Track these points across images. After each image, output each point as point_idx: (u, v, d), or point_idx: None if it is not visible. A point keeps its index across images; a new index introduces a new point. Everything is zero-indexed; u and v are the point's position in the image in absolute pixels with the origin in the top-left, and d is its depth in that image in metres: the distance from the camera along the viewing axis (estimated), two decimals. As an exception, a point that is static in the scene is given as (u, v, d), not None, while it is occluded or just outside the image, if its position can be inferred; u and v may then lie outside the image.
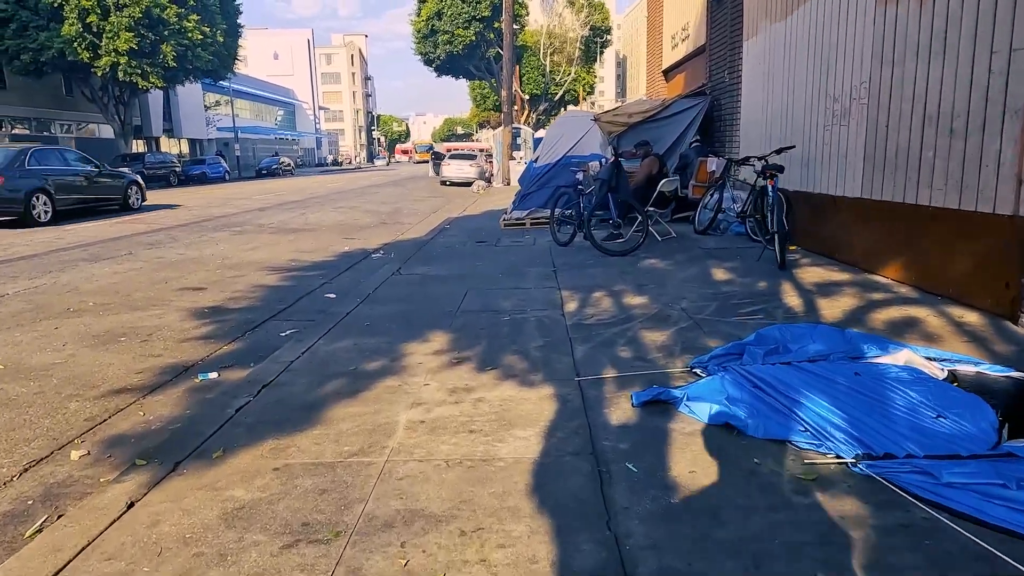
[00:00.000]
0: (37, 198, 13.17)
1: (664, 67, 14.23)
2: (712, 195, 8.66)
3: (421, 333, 4.50)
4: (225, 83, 49.64)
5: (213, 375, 4.22)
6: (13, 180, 12.76)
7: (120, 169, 16.99)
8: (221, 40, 32.83)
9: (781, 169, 6.40)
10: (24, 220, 12.84)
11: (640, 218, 7.86)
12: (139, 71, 29.33)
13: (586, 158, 10.30)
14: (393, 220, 13.92)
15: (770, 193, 6.44)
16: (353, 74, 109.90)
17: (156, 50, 29.59)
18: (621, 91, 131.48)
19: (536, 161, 10.94)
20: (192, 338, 5.09)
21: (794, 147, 6.96)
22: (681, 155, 10.06)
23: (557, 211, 8.65)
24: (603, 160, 9.89)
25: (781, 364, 3.35)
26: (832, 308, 4.73)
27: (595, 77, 67.20)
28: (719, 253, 7.28)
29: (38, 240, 10.87)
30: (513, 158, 24.96)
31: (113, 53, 28.28)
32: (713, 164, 9.32)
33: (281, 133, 73.09)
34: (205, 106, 52.38)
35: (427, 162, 64.52)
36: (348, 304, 5.52)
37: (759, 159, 7.01)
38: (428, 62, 34.28)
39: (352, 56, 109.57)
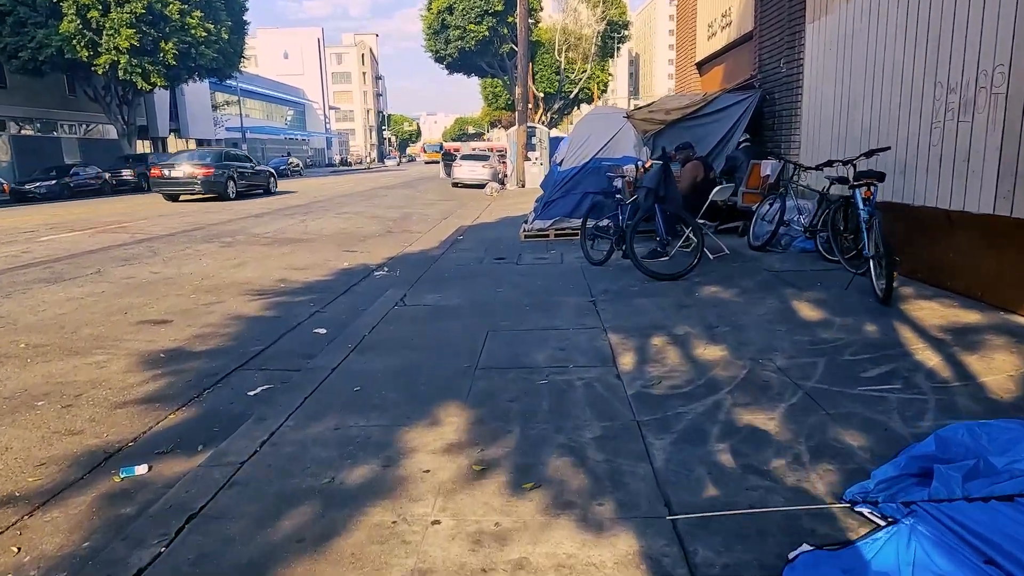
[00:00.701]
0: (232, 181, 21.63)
1: (698, 59, 12.95)
2: (770, 205, 7.38)
3: (428, 408, 3.27)
4: (232, 82, 48.94)
5: (141, 469, 3.03)
6: (218, 171, 20.92)
7: (262, 166, 25.14)
8: (226, 37, 31.83)
9: (881, 177, 5.12)
10: (223, 196, 20.89)
11: (686, 233, 6.61)
12: (140, 70, 28.38)
13: (618, 161, 9.05)
14: (401, 228, 12.73)
15: (862, 206, 5.17)
16: (364, 74, 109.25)
17: (158, 48, 28.63)
18: (634, 90, 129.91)
19: (560, 164, 9.69)
20: (132, 401, 3.90)
21: (888, 148, 5.67)
22: (728, 157, 8.78)
23: (590, 223, 7.41)
24: (639, 163, 8.64)
25: (999, 501, 2.10)
26: (992, 370, 3.46)
27: (609, 75, 65.81)
28: (793, 278, 6.00)
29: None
30: (528, 159, 23.71)
31: (113, 51, 27.33)
32: (768, 168, 8.04)
33: (291, 133, 72.32)
34: (213, 106, 51.57)
35: (437, 163, 62.55)
36: (337, 352, 4.31)
37: (844, 163, 5.73)
38: (439, 59, 33.06)
39: (363, 55, 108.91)
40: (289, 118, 76.07)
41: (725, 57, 11.48)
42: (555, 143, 31.07)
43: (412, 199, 20.17)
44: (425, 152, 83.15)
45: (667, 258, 6.78)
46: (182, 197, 20.91)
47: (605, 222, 7.24)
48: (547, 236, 9.35)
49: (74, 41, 26.70)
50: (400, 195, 21.99)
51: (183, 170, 20.42)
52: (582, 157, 9.39)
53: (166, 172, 20.69)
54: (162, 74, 29.37)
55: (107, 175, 28.91)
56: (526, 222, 10.21)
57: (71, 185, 26.09)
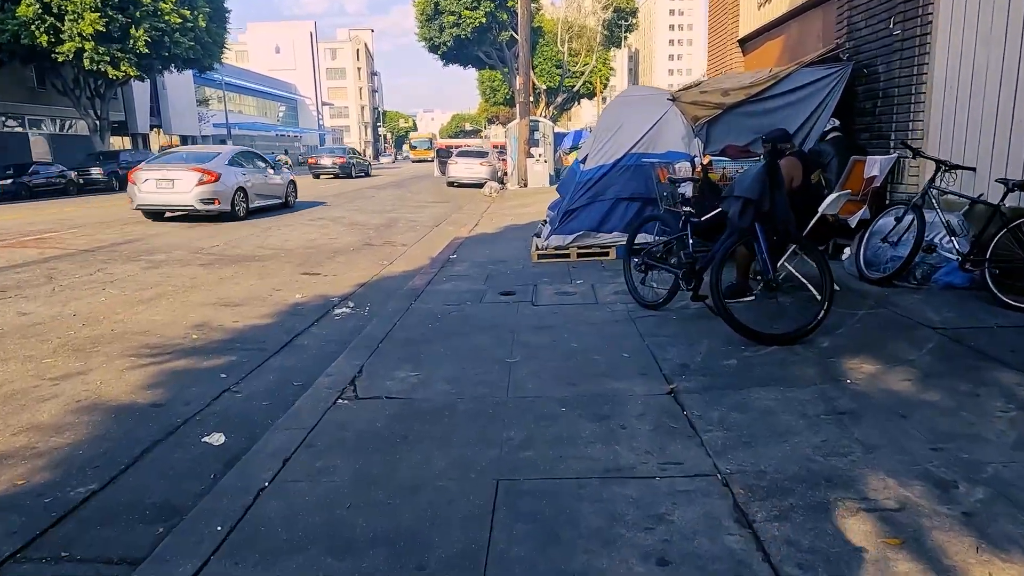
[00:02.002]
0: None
1: (741, 35, 10.74)
2: (896, 219, 5.17)
3: None
4: (216, 75, 46.57)
5: None
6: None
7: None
8: (203, 25, 29.48)
9: None
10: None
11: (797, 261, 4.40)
12: (108, 58, 26.04)
13: (662, 157, 6.83)
14: (382, 239, 10.48)
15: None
16: (359, 69, 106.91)
17: (127, 34, 26.29)
18: (634, 85, 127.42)
19: (583, 162, 7.43)
20: None
21: None
22: (810, 152, 6.55)
23: (640, 244, 5.21)
24: (693, 160, 6.40)
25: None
26: None
27: (611, 69, 63.47)
28: (986, 343, 3.77)
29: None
30: (531, 155, 21.46)
31: (77, 37, 25.00)
32: (875, 167, 5.82)
33: (282, 130, 69.94)
34: (198, 101, 49.17)
35: (427, 161, 58.23)
36: (206, 541, 2.08)
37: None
38: (433, 48, 30.63)
39: (358, 51, 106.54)
40: (281, 114, 73.69)
41: (784, 28, 9.24)
42: (559, 138, 28.81)
43: (402, 201, 17.91)
44: (412, 149, 72.34)
45: (750, 297, 4.57)
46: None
47: (661, 246, 4.99)
48: (567, 256, 7.12)
49: (33, 26, 24.37)
50: (389, 196, 19.72)
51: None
52: (612, 152, 7.15)
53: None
54: (133, 63, 27.02)
55: (73, 174, 26.58)
56: (537, 235, 7.98)
57: (30, 185, 23.76)
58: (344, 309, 5.90)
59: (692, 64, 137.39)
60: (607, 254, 7.09)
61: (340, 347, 4.54)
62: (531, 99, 22.33)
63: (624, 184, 7.08)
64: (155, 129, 44.71)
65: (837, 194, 4.69)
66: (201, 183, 12.20)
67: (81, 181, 26.72)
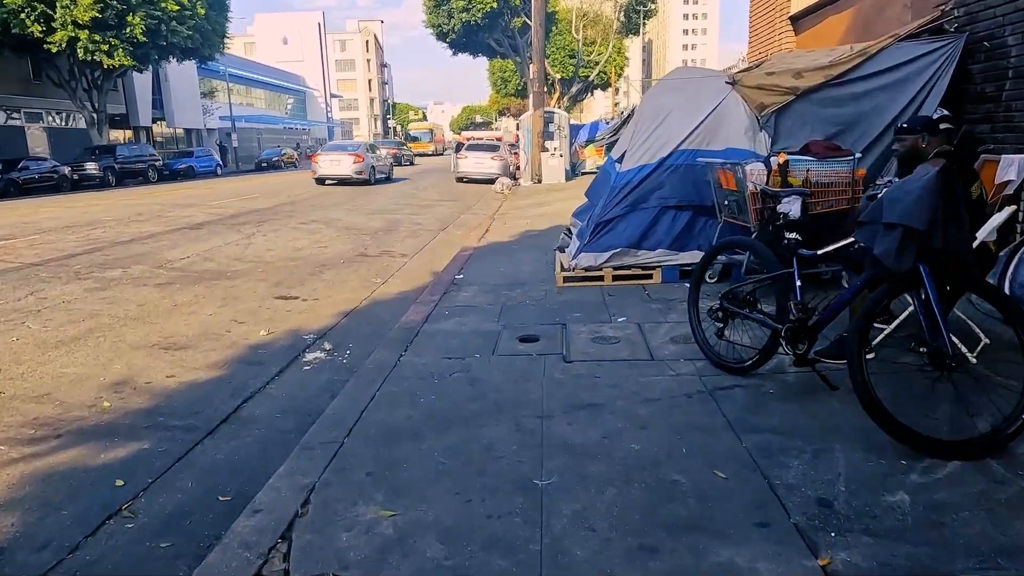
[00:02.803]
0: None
1: (794, 11, 9.27)
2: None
3: None
4: (218, 66, 45.39)
5: None
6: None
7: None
8: (202, 13, 28.22)
9: None
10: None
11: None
12: (103, 47, 24.82)
13: (722, 155, 5.43)
14: (379, 248, 9.13)
15: None
16: (368, 61, 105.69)
17: (123, 22, 25.06)
18: (647, 77, 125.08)
19: (620, 160, 6.00)
20: None
21: None
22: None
23: (687, 265, 3.83)
24: (767, 161, 4.98)
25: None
26: None
27: (626, 59, 61.63)
28: None
29: None
30: (546, 149, 20.02)
31: (70, 26, 23.81)
32: (1013, 169, 4.38)
33: (289, 122, 68.74)
34: (203, 93, 47.99)
35: (428, 155, 55.25)
36: None
37: None
38: (442, 36, 29.10)
39: (367, 42, 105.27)
40: (289, 106, 72.52)
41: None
42: (574, 131, 27.27)
43: (406, 199, 16.55)
44: (411, 141, 61.01)
45: (870, 356, 3.16)
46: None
47: (748, 285, 3.59)
48: (600, 279, 5.73)
49: (23, 14, 23.19)
50: (394, 193, 18.36)
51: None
52: (657, 149, 5.73)
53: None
54: (128, 52, 25.80)
55: (67, 169, 25.46)
56: (561, 249, 6.61)
57: (19, 181, 22.64)
58: (318, 354, 4.57)
59: (707, 55, 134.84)
60: (650, 276, 5.70)
61: (298, 425, 3.22)
62: (545, 89, 20.89)
63: (672, 188, 5.68)
64: (158, 122, 43.63)
65: (1006, 213, 3.26)
66: (354, 162, 20.80)
67: (75, 177, 25.60)
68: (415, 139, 63.41)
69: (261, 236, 10.08)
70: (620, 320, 4.62)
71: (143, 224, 11.54)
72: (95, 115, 30.48)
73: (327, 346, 4.74)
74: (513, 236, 9.10)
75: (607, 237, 5.74)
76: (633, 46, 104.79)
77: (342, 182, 21.09)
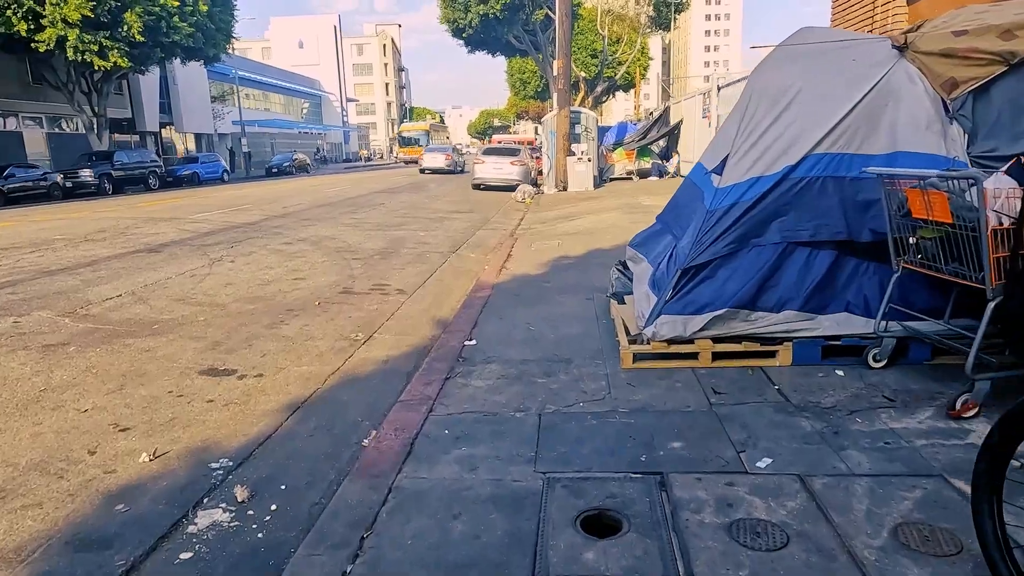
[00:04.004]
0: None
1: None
2: None
3: None
4: (229, 69, 44.00)
5: None
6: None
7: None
8: (204, 10, 26.56)
9: None
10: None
11: None
12: (96, 47, 23.23)
13: (887, 162, 3.37)
14: (371, 279, 7.12)
15: None
16: (385, 65, 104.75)
17: (119, 20, 23.46)
18: (667, 80, 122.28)
19: (719, 169, 3.90)
20: None
21: None
22: None
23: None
24: (1003, 173, 2.87)
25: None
26: None
27: (649, 58, 59.35)
28: None
29: None
30: (572, 153, 17.97)
31: (60, 23, 22.24)
32: None
33: (305, 127, 67.42)
34: (214, 97, 46.62)
35: (415, 162, 45.93)
36: None
37: None
38: (457, 32, 27.08)
39: (384, 46, 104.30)
40: (305, 111, 71.28)
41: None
42: (601, 133, 25.14)
43: (415, 210, 14.57)
44: (403, 147, 54.09)
45: None
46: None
47: None
48: (693, 356, 3.64)
49: (8, 12, 21.67)
50: (402, 203, 16.39)
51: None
52: (780, 152, 3.64)
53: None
54: (124, 52, 24.18)
55: (59, 177, 23.90)
56: (618, 297, 4.55)
57: (3, 190, 21.05)
58: (219, 513, 2.56)
59: (729, 56, 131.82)
60: (773, 355, 3.60)
61: None
62: (570, 87, 18.87)
63: (805, 214, 3.58)
64: (167, 127, 42.28)
65: None
66: (446, 159, 31.87)
67: (68, 185, 24.03)
68: (409, 143, 54.44)
69: (228, 262, 8.11)
70: (761, 465, 2.53)
71: (95, 246, 9.64)
72: (95, 119, 29.01)
73: (241, 493, 2.72)
74: (542, 266, 7.03)
75: (702, 290, 3.65)
76: (654, 47, 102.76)
77: (436, 171, 31.43)
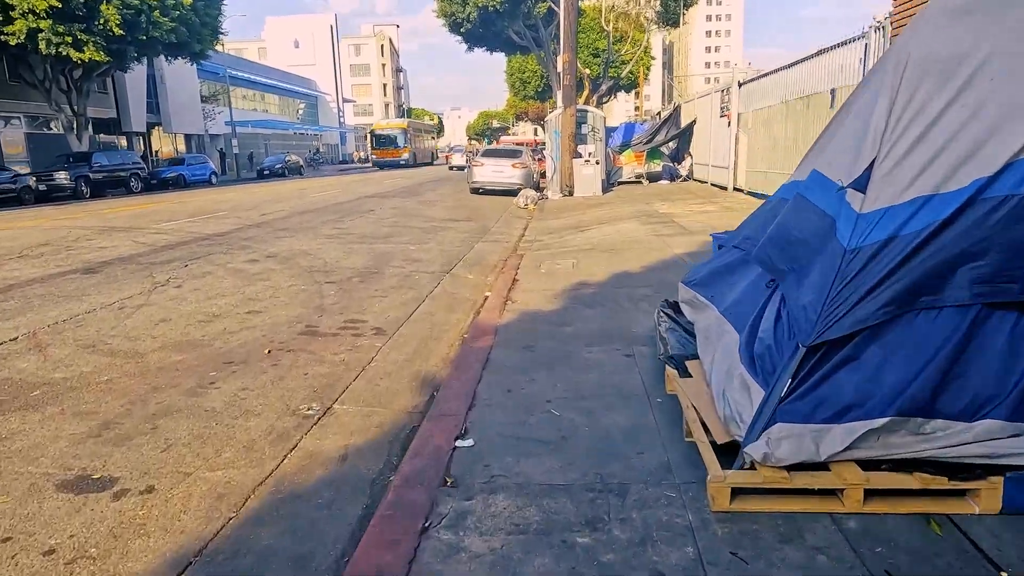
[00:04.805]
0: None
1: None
2: None
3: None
4: (218, 67, 42.60)
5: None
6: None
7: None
8: (188, 3, 25.14)
9: None
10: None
11: None
12: (70, 39, 21.80)
13: None
14: (344, 311, 5.70)
15: None
16: (383, 65, 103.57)
17: (95, 13, 22.04)
18: (668, 80, 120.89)
19: (861, 185, 2.50)
20: None
21: None
22: None
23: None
24: None
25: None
26: None
27: (652, 58, 57.97)
28: None
29: None
30: (579, 155, 16.58)
31: (30, 15, 20.82)
32: None
33: (300, 127, 66.02)
34: (203, 96, 45.15)
35: (400, 165, 42.55)
36: None
37: None
38: (455, 27, 25.61)
39: (382, 46, 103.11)
40: (300, 111, 69.87)
41: None
42: (607, 134, 23.70)
43: (407, 218, 13.15)
44: (376, 149, 47.80)
45: None
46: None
47: None
48: (833, 495, 2.22)
49: (-26, 3, 20.27)
50: (392, 209, 14.97)
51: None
52: (959, 158, 2.28)
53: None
54: (101, 47, 22.75)
55: (32, 180, 22.46)
56: (676, 362, 3.16)
57: (-34, 193, 19.63)
58: None
59: (731, 57, 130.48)
60: (962, 494, 2.18)
61: None
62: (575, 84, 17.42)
63: (1017, 256, 2.17)
64: (155, 128, 40.84)
65: None
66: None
67: (42, 188, 22.59)
68: (384, 144, 47.52)
69: (173, 288, 6.68)
70: None
71: (24, 264, 8.20)
72: (74, 119, 27.58)
73: None
74: (557, 298, 5.61)
75: (842, 382, 2.23)
76: (655, 47, 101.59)
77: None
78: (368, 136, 52.38)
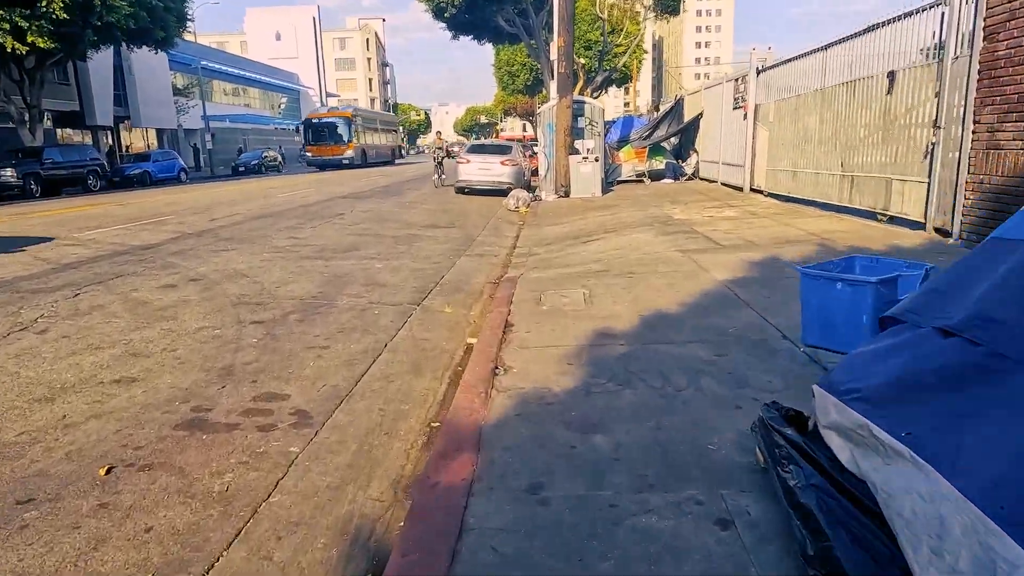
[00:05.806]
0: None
1: None
2: None
3: None
4: (190, 58, 40.40)
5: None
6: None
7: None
8: (149, -13, 23.05)
9: None
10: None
11: None
12: (8, 26, 19.68)
13: None
14: (256, 384, 3.89)
15: None
16: (369, 60, 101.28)
17: (39, -5, 19.94)
18: (657, 75, 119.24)
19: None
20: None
21: None
22: None
23: None
24: None
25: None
26: None
27: (644, 52, 56.25)
28: None
29: None
30: (576, 151, 14.79)
31: (-35, -3, 18.73)
32: None
33: (281, 122, 63.81)
34: (176, 88, 42.87)
35: (345, 163, 34.04)
36: None
37: None
38: (439, 12, 23.56)
39: (368, 40, 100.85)
40: (282, 106, 67.57)
41: None
42: (612, 127, 21.87)
43: (379, 223, 11.31)
44: (311, 144, 37.92)
45: None
46: None
47: None
48: None
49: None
50: (364, 213, 13.10)
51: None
52: None
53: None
54: (48, 33, 20.63)
55: (-26, 178, 20.39)
56: (817, 562, 1.36)
57: None
58: None
59: (721, 53, 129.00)
60: None
61: None
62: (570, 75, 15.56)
63: None
64: (124, 121, 38.58)
65: None
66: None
67: (-16, 186, 20.54)
68: (320, 138, 37.45)
69: (33, 334, 4.82)
70: None
71: None
72: (27, 111, 25.41)
73: None
74: (571, 363, 3.80)
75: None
76: (646, 42, 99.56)
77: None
78: (301, 128, 40.09)
